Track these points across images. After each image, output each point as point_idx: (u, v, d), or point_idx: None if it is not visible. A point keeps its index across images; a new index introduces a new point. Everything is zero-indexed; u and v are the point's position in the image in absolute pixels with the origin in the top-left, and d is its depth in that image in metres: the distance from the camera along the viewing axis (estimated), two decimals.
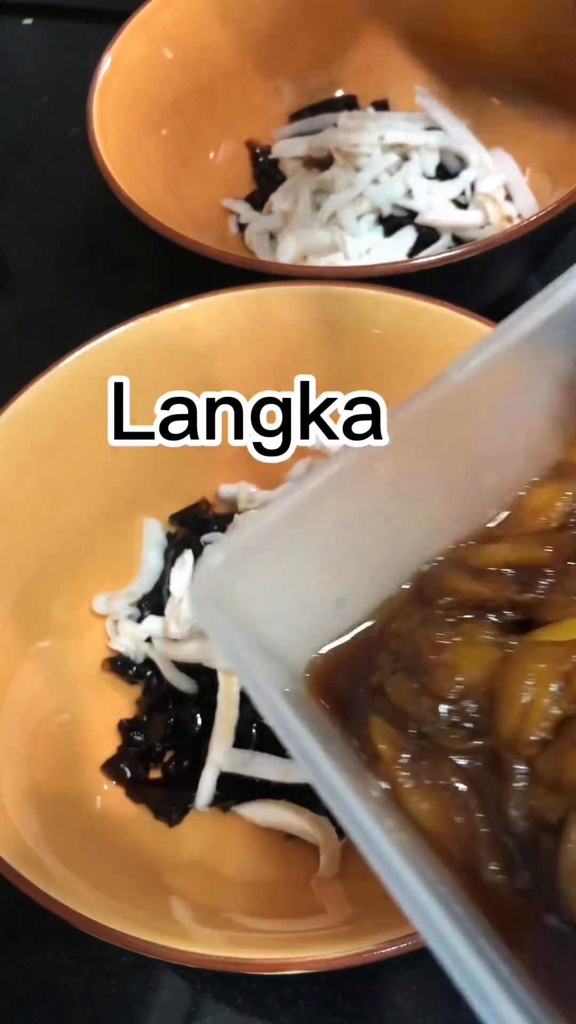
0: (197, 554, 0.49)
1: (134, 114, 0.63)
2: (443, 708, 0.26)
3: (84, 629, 0.48)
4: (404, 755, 0.26)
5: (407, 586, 0.30)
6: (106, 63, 0.61)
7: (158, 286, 0.69)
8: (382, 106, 0.72)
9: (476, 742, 0.25)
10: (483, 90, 0.68)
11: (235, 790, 0.44)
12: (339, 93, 0.73)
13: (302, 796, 0.43)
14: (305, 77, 0.72)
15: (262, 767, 0.43)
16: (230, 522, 0.51)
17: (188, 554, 0.49)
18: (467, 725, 0.26)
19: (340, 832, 0.42)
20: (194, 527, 0.51)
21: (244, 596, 0.26)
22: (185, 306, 0.48)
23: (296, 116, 0.72)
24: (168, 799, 0.44)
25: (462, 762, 0.25)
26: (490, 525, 0.31)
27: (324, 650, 0.29)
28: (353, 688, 0.28)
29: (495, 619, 0.28)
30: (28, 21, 0.91)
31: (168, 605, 0.48)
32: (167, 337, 0.48)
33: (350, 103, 0.72)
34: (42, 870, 0.35)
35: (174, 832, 0.43)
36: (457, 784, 0.25)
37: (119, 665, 0.48)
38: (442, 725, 0.26)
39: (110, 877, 0.38)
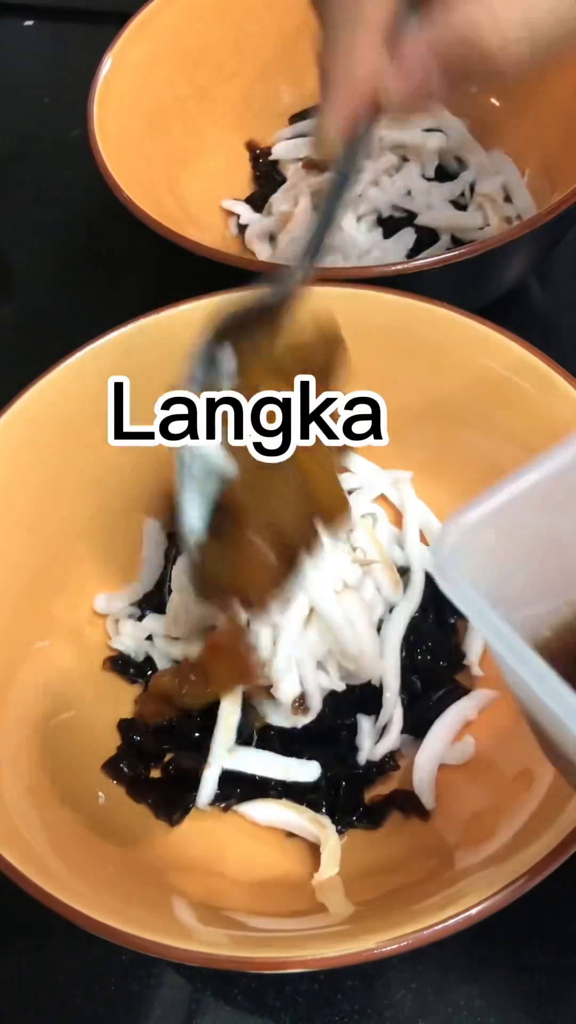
0: None
1: (135, 115, 0.63)
2: None
3: (85, 628, 0.48)
4: None
5: None
6: (107, 65, 0.62)
7: (158, 287, 0.69)
8: None
9: None
10: (482, 91, 0.69)
11: (236, 788, 0.44)
12: None
13: (303, 795, 0.43)
14: (305, 79, 0.72)
15: (264, 765, 0.44)
16: None
17: None
18: None
19: (340, 830, 0.42)
20: None
21: (476, 569, 0.26)
22: (185, 307, 0.48)
23: (296, 118, 0.72)
24: (168, 799, 0.44)
25: None
26: None
27: (541, 640, 0.30)
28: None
29: None
30: (29, 23, 0.91)
31: (169, 603, 0.48)
32: (167, 338, 0.48)
33: None
34: (44, 868, 0.35)
35: (175, 831, 0.43)
36: None
37: (120, 664, 0.48)
38: None
39: (111, 876, 0.38)
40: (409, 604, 0.47)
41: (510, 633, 0.25)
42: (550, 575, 0.30)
